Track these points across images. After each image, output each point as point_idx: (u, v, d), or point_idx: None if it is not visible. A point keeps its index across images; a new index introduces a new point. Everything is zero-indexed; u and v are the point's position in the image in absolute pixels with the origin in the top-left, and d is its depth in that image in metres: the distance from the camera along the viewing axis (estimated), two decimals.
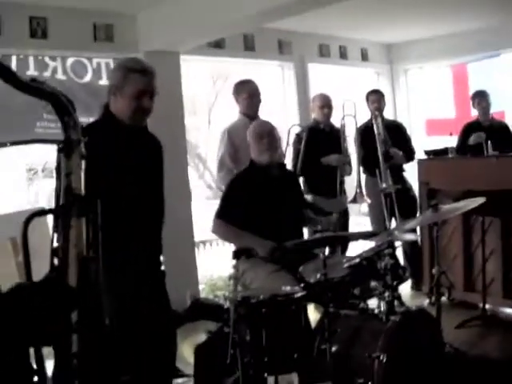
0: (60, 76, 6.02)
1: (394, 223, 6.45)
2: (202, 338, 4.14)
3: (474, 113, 7.43)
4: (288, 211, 4.80)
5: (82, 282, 1.80)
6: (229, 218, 4.58)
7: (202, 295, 6.68)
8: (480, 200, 4.42)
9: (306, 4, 5.23)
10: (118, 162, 3.33)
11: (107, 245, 2.85)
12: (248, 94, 5.96)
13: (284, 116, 8.10)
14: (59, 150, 1.82)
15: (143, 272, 3.48)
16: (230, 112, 6.31)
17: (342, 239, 4.74)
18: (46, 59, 5.95)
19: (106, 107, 3.52)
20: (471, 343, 5.16)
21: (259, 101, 6.03)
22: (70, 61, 6.05)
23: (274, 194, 4.71)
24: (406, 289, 6.61)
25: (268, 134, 4.75)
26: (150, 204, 3.57)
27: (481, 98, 7.18)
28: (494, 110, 7.52)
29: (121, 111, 3.43)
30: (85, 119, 4.13)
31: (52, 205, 1.86)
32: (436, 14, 7.55)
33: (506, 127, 7.36)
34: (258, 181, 4.70)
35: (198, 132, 10.34)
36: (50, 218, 1.85)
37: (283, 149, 6.23)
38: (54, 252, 1.81)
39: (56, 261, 1.81)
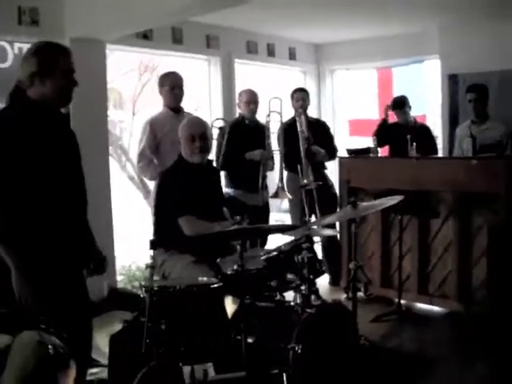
0: None
1: (313, 220, 6.53)
2: (117, 327, 4.12)
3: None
4: (213, 206, 4.86)
5: None
6: (187, 211, 4.58)
7: (120, 286, 6.63)
8: (397, 198, 4.52)
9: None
10: (43, 149, 3.29)
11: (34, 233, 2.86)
12: (170, 85, 5.94)
13: (209, 110, 8.09)
14: None
15: (66, 261, 3.44)
16: (155, 104, 6.26)
17: (261, 232, 4.77)
18: None
19: (20, 94, 3.39)
20: (386, 336, 5.30)
21: (181, 93, 6.02)
22: None
23: (201, 191, 4.72)
24: (324, 284, 6.71)
25: (200, 137, 4.72)
26: (74, 191, 3.53)
27: (398, 110, 7.29)
28: (416, 113, 7.69)
29: (49, 94, 3.36)
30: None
31: None
32: (365, 16, 7.65)
33: (428, 130, 7.51)
34: (187, 177, 4.69)
35: (122, 124, 10.23)
36: None
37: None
38: None
39: None
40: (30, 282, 3.16)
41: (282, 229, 4.56)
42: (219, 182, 5.35)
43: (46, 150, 3.30)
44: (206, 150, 4.83)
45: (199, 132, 4.75)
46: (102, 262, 3.74)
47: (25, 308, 3.14)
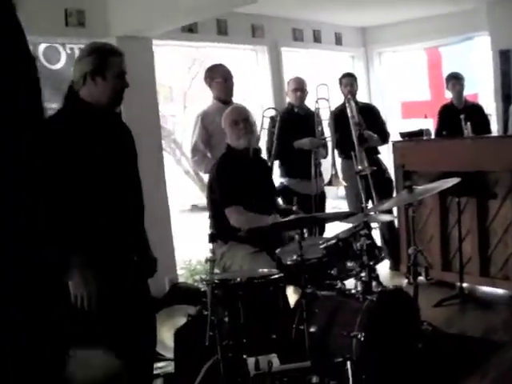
0: None
1: (370, 205, 6.50)
2: (181, 321, 4.15)
3: (449, 95, 7.49)
4: (263, 196, 4.87)
5: None
6: (236, 202, 4.60)
7: (181, 280, 6.67)
8: (453, 180, 4.47)
9: None
10: (97, 150, 3.32)
11: (92, 235, 2.85)
12: (221, 77, 5.94)
13: (258, 100, 8.09)
14: None
15: (126, 261, 3.47)
16: (205, 97, 6.27)
17: (319, 220, 4.77)
18: None
19: (74, 95, 3.44)
20: (449, 321, 5.24)
21: (232, 84, 6.01)
22: (42, 47, 5.99)
23: (249, 181, 4.75)
24: (384, 270, 6.67)
25: (243, 120, 4.78)
26: (130, 191, 3.56)
27: (455, 80, 7.23)
28: (467, 92, 7.59)
29: (102, 95, 3.40)
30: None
31: None
32: None
33: (480, 109, 7.43)
34: (238, 165, 4.72)
35: (174, 118, 10.30)
36: None
37: (258, 133, 6.23)
38: None
39: None
40: (92, 280, 3.18)
41: (338, 216, 4.55)
42: (269, 172, 5.35)
43: (100, 152, 3.33)
44: (250, 131, 4.87)
45: (242, 116, 4.82)
46: (152, 266, 3.77)
47: (83, 312, 3.14)
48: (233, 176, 4.65)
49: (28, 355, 1.67)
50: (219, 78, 5.93)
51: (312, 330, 3.66)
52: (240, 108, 5.02)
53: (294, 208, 3.98)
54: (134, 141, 3.67)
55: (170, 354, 4.07)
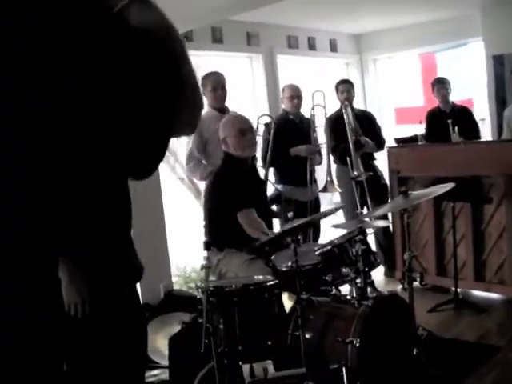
0: None
1: (366, 211, 6.51)
2: (176, 329, 4.15)
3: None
4: (263, 202, 4.91)
5: None
6: (246, 205, 4.60)
7: (176, 287, 6.67)
8: (448, 186, 4.48)
9: None
10: None
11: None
12: (212, 86, 5.94)
13: (254, 107, 8.10)
14: None
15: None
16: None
17: (313, 224, 4.79)
18: None
19: None
20: (444, 326, 5.25)
21: (223, 93, 5.99)
22: None
23: (252, 187, 4.79)
24: (379, 275, 6.68)
25: (249, 129, 4.82)
26: None
27: (439, 85, 7.27)
28: (462, 97, 7.66)
29: None
30: None
31: None
32: (404, 3, 7.59)
33: (468, 112, 7.45)
34: (240, 172, 4.72)
35: None
36: None
37: None
38: None
39: None
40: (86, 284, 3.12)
41: (329, 213, 4.54)
42: (262, 179, 5.37)
43: None
44: (255, 142, 4.94)
45: (248, 126, 4.84)
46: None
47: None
48: (239, 181, 4.65)
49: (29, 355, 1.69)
50: (209, 87, 5.94)
51: (307, 336, 3.66)
52: (244, 118, 5.00)
53: (290, 215, 3.97)
54: None
55: (165, 362, 4.06)
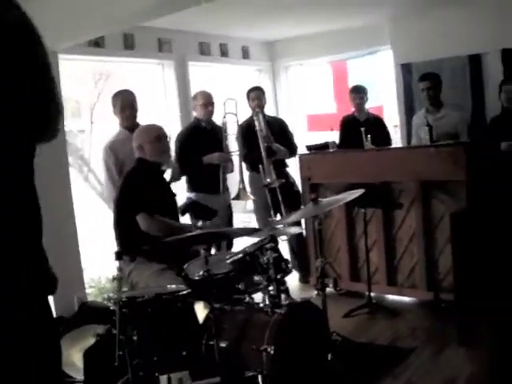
0: None
1: (279, 218, 6.55)
2: (91, 341, 4.08)
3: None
4: (173, 208, 4.96)
5: None
6: (148, 209, 4.60)
7: (91, 298, 6.57)
8: (358, 192, 4.56)
9: (179, 3, 5.22)
10: None
11: None
12: (120, 107, 5.87)
13: (165, 114, 8.04)
14: None
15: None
16: (111, 113, 6.16)
17: (224, 236, 4.81)
18: None
19: None
20: (358, 331, 5.33)
21: (134, 112, 5.93)
22: None
23: (163, 192, 4.84)
24: (294, 282, 6.73)
25: (165, 137, 4.92)
26: None
27: (355, 94, 7.42)
28: (372, 104, 7.77)
29: None
30: None
31: None
32: (315, 12, 7.65)
33: (381, 122, 7.63)
34: (150, 177, 4.73)
35: (83, 134, 10.13)
36: None
37: None
38: None
39: None
40: None
41: (245, 232, 4.59)
42: (171, 190, 5.37)
43: None
44: (170, 149, 5.10)
45: (163, 132, 4.93)
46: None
47: None
48: (146, 184, 4.66)
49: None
50: (118, 107, 5.87)
51: (222, 345, 3.66)
52: (159, 125, 5.07)
53: (200, 224, 3.96)
54: None
55: (81, 376, 3.99)
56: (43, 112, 1.65)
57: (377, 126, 7.29)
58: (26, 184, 1.72)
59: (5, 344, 1.69)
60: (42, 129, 1.70)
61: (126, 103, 5.88)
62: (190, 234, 3.90)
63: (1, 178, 1.60)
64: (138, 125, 5.67)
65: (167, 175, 5.55)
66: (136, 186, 4.69)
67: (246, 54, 9.32)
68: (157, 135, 4.83)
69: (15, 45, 1.56)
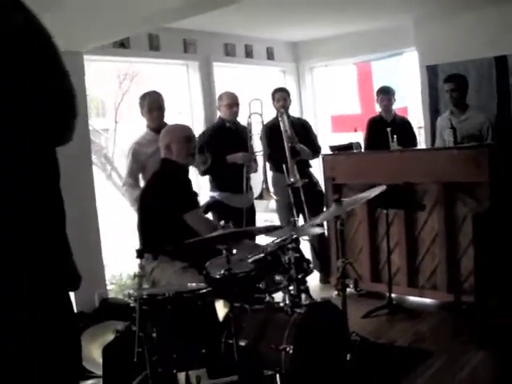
0: None
1: (301, 218, 6.57)
2: (110, 337, 4.12)
3: (378, 109, 7.65)
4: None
5: None
6: (195, 206, 4.69)
7: (111, 295, 6.61)
8: (379, 189, 4.55)
9: (206, 4, 5.23)
10: None
11: None
12: (148, 107, 5.93)
13: (190, 115, 8.07)
14: None
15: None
16: (137, 112, 6.21)
17: (247, 234, 4.80)
18: None
19: None
20: (377, 332, 5.32)
21: (161, 113, 5.99)
22: None
23: (191, 193, 4.80)
24: (315, 282, 6.73)
25: (194, 139, 4.94)
26: None
27: (383, 95, 7.42)
28: (397, 106, 7.74)
29: None
30: None
31: None
32: (341, 13, 7.65)
33: (407, 123, 7.61)
34: (181, 177, 4.75)
35: (106, 133, 10.21)
36: None
37: None
38: None
39: None
40: None
41: (267, 230, 4.59)
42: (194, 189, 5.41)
43: None
44: (195, 153, 5.07)
45: (193, 134, 4.96)
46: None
47: None
48: (180, 183, 4.68)
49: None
50: (146, 108, 5.92)
51: (241, 343, 3.67)
52: (188, 126, 5.11)
53: (222, 222, 3.97)
54: None
55: (99, 371, 4.02)
56: (48, 113, 1.65)
57: (403, 127, 7.30)
58: (32, 185, 1.72)
59: (5, 344, 1.71)
60: (49, 130, 1.69)
61: (153, 104, 5.94)
62: (213, 234, 3.91)
63: (1, 179, 1.61)
64: (164, 125, 5.64)
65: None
66: (173, 185, 4.66)
67: (270, 55, 9.31)
68: (186, 135, 4.81)
69: (17, 45, 1.56)
